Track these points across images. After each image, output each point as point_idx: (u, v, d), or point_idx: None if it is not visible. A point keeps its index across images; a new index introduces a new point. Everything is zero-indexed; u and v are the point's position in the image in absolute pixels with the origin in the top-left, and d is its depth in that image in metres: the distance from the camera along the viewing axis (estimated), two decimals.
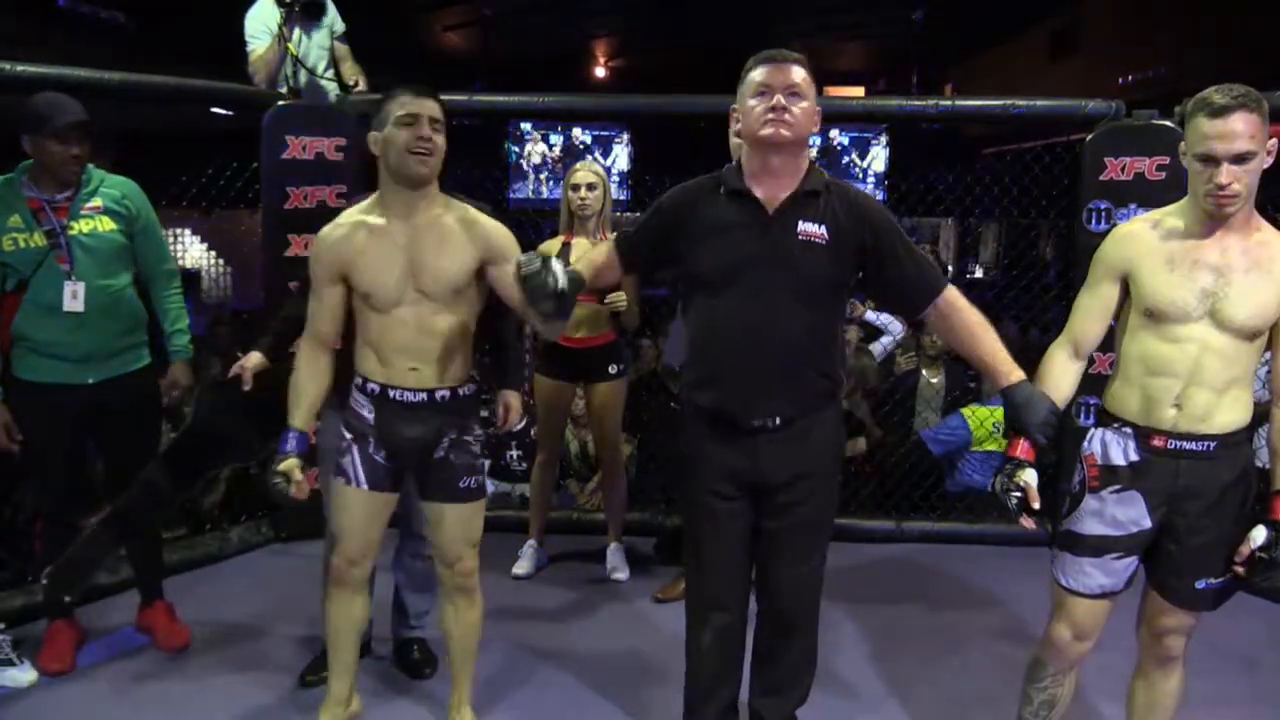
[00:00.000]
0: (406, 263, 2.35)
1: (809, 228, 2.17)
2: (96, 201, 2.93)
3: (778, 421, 2.22)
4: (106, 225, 2.93)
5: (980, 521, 4.30)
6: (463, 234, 2.39)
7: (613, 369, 3.70)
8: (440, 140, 2.34)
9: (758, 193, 2.20)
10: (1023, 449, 2.14)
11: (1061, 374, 2.21)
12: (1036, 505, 2.10)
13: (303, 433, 2.41)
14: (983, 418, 4.47)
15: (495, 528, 3.06)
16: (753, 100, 2.15)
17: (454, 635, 2.61)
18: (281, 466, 2.35)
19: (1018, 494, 2.11)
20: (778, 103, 2.12)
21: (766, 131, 2.13)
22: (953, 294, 2.23)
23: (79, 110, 2.84)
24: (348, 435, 2.47)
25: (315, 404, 2.46)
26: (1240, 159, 1.93)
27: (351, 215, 2.44)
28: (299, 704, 2.81)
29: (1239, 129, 1.92)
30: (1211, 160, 1.95)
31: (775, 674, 2.43)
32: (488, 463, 2.56)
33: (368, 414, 2.44)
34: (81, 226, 2.88)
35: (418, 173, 2.32)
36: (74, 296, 2.85)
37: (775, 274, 2.16)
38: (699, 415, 2.31)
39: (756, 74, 2.17)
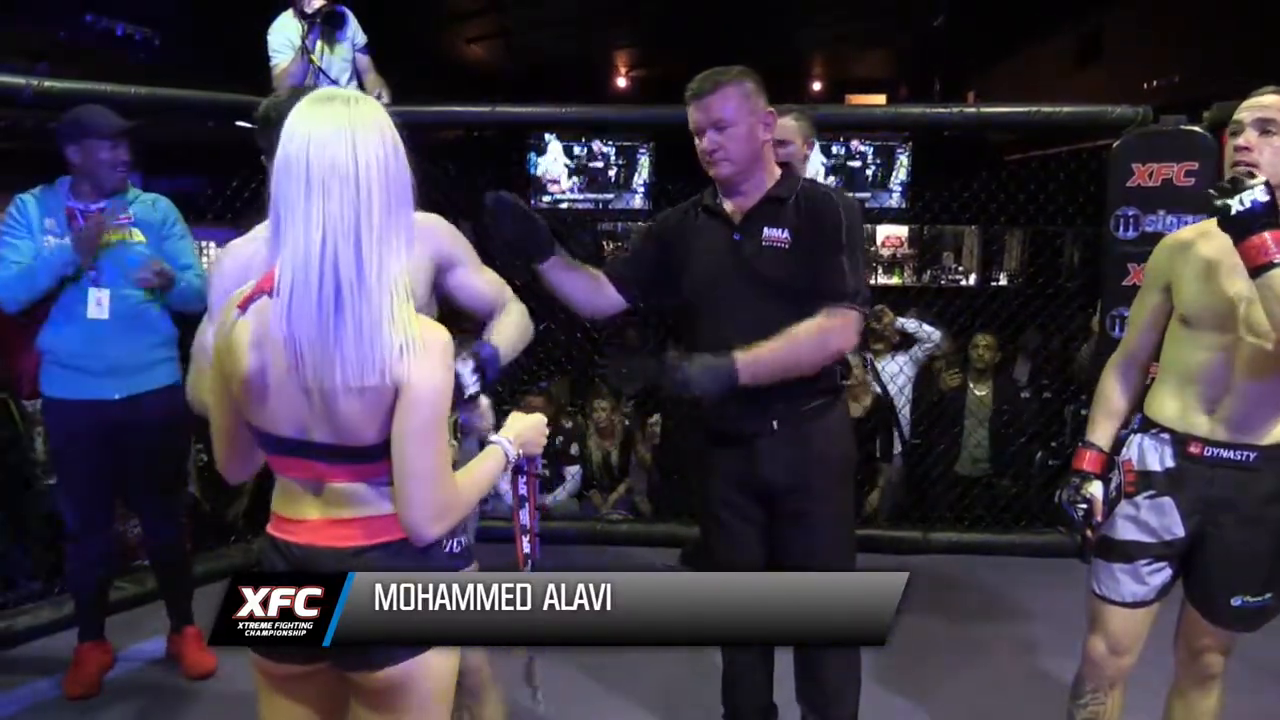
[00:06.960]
0: None
1: (773, 233, 2.19)
2: (130, 214, 2.95)
3: (775, 426, 2.23)
4: (137, 237, 2.95)
5: (1008, 532, 4.26)
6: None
7: None
8: None
9: (728, 206, 2.25)
10: (1089, 461, 2.13)
11: (1112, 388, 2.20)
12: (1101, 518, 2.09)
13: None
14: None
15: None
16: (696, 139, 2.22)
17: None
18: None
19: (1084, 506, 2.10)
20: (708, 144, 2.18)
21: (711, 171, 2.22)
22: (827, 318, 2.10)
23: (122, 120, 2.91)
24: None
25: None
26: (1265, 126, 1.92)
27: None
28: None
29: (1268, 102, 1.94)
30: (1238, 129, 1.95)
31: (819, 687, 2.40)
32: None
33: None
34: (111, 236, 2.90)
35: None
36: (98, 304, 2.86)
37: (742, 284, 2.19)
38: (702, 423, 2.36)
39: (689, 111, 2.19)
